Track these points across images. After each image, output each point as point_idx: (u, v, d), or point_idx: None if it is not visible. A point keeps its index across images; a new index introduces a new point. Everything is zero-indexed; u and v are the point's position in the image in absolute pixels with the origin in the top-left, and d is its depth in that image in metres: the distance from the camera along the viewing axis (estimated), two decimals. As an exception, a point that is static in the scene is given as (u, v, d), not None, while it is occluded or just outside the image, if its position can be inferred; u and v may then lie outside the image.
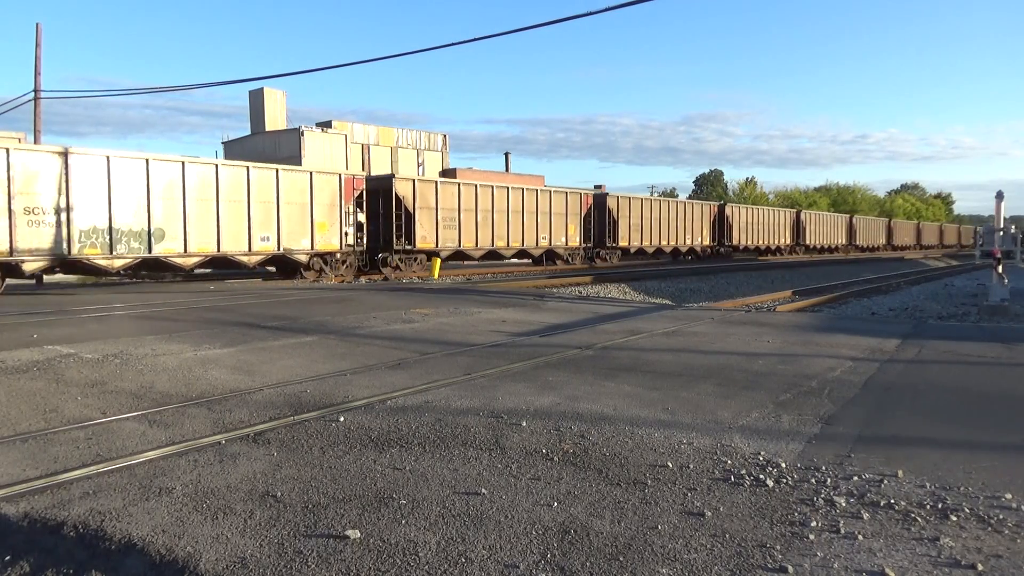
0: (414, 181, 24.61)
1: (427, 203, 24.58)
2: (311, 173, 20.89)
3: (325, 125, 47.63)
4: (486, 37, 21.85)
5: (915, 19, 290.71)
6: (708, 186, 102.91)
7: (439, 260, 24.62)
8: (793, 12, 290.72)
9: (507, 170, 59.69)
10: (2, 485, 3.66)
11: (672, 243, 38.61)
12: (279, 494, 3.54)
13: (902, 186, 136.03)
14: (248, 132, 49.73)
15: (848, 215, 65.17)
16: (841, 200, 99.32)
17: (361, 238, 22.51)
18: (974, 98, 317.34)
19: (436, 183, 25.29)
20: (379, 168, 46.94)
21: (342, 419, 4.90)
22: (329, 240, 21.02)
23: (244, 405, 5.34)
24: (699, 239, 41.11)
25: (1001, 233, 15.99)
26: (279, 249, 19.68)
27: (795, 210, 54.03)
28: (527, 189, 29.46)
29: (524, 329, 9.61)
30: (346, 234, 21.50)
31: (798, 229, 51.22)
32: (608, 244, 33.74)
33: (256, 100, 49.65)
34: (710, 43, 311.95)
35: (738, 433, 4.64)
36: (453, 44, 30.66)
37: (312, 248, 20.49)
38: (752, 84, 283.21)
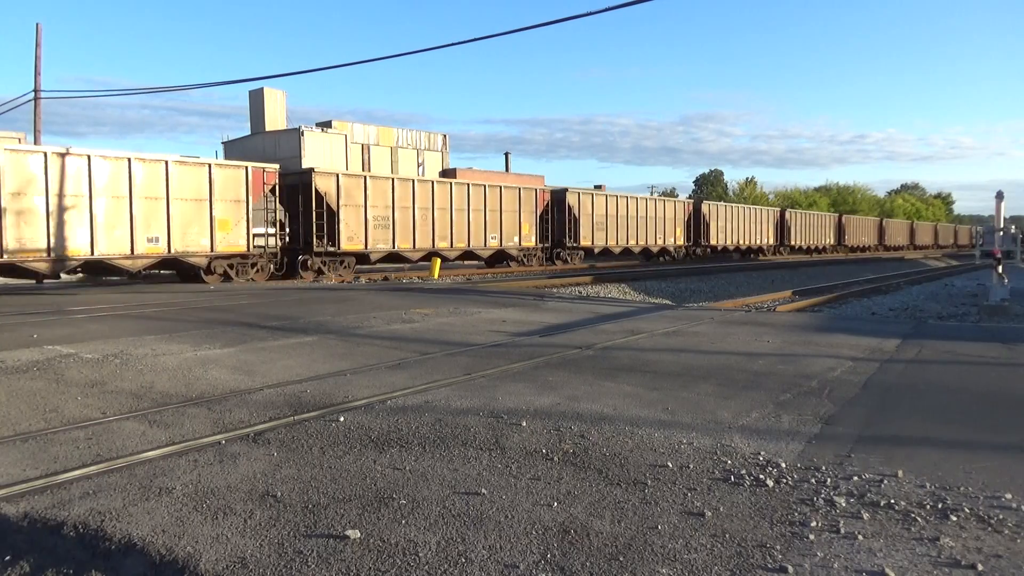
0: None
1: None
2: None
3: (325, 125, 47.66)
4: (486, 37, 21.86)
5: (913, 19, 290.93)
6: (708, 186, 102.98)
7: (439, 260, 24.62)
8: (790, 12, 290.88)
9: (507, 170, 59.69)
10: (2, 485, 3.66)
11: (643, 243, 36.77)
12: (279, 494, 3.54)
13: (902, 186, 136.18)
14: (248, 132, 49.76)
15: (837, 214, 62.49)
16: (841, 200, 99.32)
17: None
18: (973, 98, 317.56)
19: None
20: (379, 168, 46.93)
21: (342, 419, 4.90)
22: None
23: (244, 405, 5.34)
24: (671, 239, 38.97)
25: (1001, 233, 15.99)
26: None
27: (779, 209, 52.94)
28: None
29: (524, 329, 9.61)
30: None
31: (782, 229, 50.16)
32: (569, 244, 32.08)
33: (256, 100, 49.68)
34: (708, 43, 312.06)
35: (738, 433, 4.64)
36: (453, 44, 30.64)
37: None
38: (750, 84, 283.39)
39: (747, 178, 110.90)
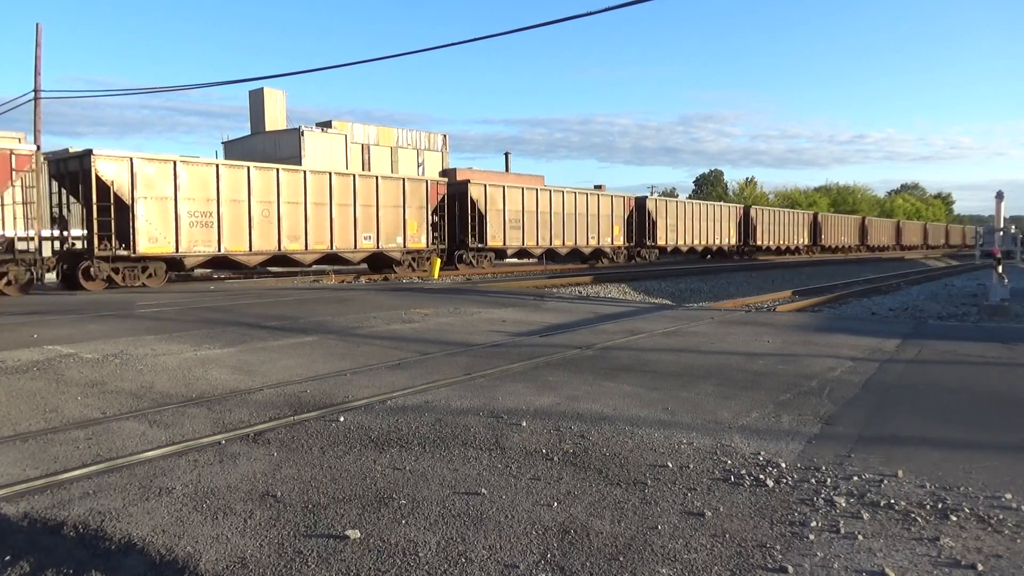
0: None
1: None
2: None
3: (325, 125, 47.68)
4: (486, 37, 21.90)
5: (912, 19, 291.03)
6: (708, 186, 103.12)
7: (439, 260, 24.61)
8: (789, 12, 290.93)
9: (507, 170, 59.72)
10: (2, 485, 3.66)
11: (571, 243, 32.17)
12: (279, 494, 3.54)
13: (902, 186, 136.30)
14: (248, 132, 49.79)
15: (812, 212, 58.52)
16: (841, 200, 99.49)
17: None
18: (972, 98, 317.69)
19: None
20: (379, 169, 46.92)
21: (342, 419, 4.90)
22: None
23: (244, 405, 5.34)
24: (608, 239, 34.36)
25: (1001, 233, 16.00)
26: None
27: (742, 206, 48.31)
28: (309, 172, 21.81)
29: (524, 329, 9.61)
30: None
31: (747, 228, 45.87)
32: (474, 245, 27.59)
33: (256, 100, 49.71)
34: (707, 43, 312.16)
35: (738, 433, 4.64)
36: (453, 44, 30.70)
37: None
38: (749, 84, 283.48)
39: (747, 178, 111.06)
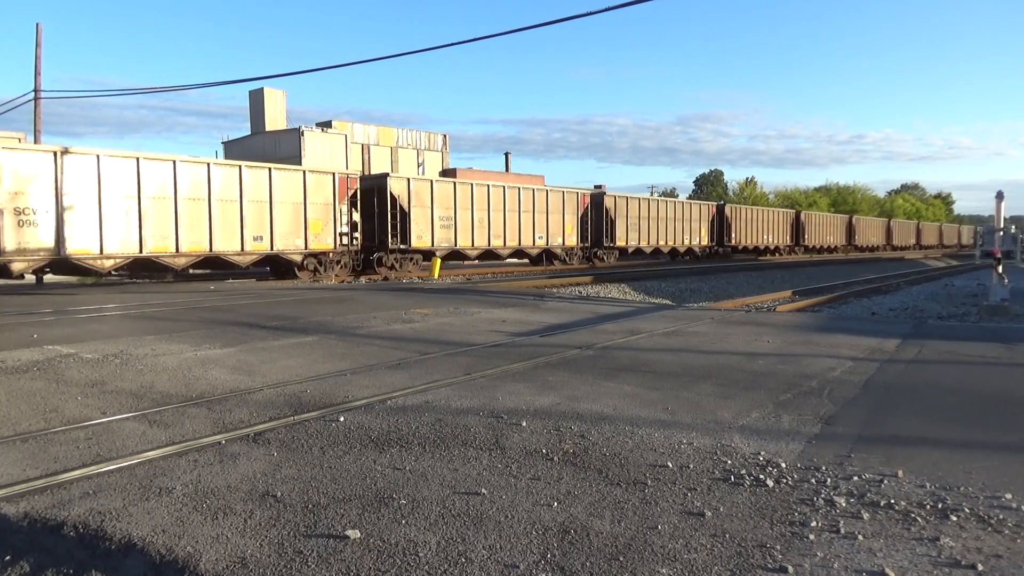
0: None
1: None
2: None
3: (325, 125, 47.67)
4: (485, 37, 21.89)
5: (911, 19, 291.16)
6: (708, 186, 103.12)
7: (439, 260, 24.61)
8: (787, 12, 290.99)
9: (507, 170, 59.71)
10: (2, 485, 3.66)
11: (514, 244, 28.90)
12: (279, 494, 3.54)
13: (902, 186, 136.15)
14: (248, 132, 49.78)
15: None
16: (841, 200, 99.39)
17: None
18: (970, 98, 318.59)
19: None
20: (380, 168, 46.90)
21: (342, 419, 4.90)
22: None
23: (244, 405, 5.34)
24: (559, 238, 31.00)
25: (1001, 233, 16.00)
26: None
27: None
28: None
29: (524, 329, 9.61)
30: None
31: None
32: (393, 245, 24.29)
33: (256, 100, 49.71)
34: (705, 43, 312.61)
35: (738, 433, 4.64)
36: (453, 44, 30.63)
37: None
38: (747, 84, 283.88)
39: (747, 178, 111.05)
